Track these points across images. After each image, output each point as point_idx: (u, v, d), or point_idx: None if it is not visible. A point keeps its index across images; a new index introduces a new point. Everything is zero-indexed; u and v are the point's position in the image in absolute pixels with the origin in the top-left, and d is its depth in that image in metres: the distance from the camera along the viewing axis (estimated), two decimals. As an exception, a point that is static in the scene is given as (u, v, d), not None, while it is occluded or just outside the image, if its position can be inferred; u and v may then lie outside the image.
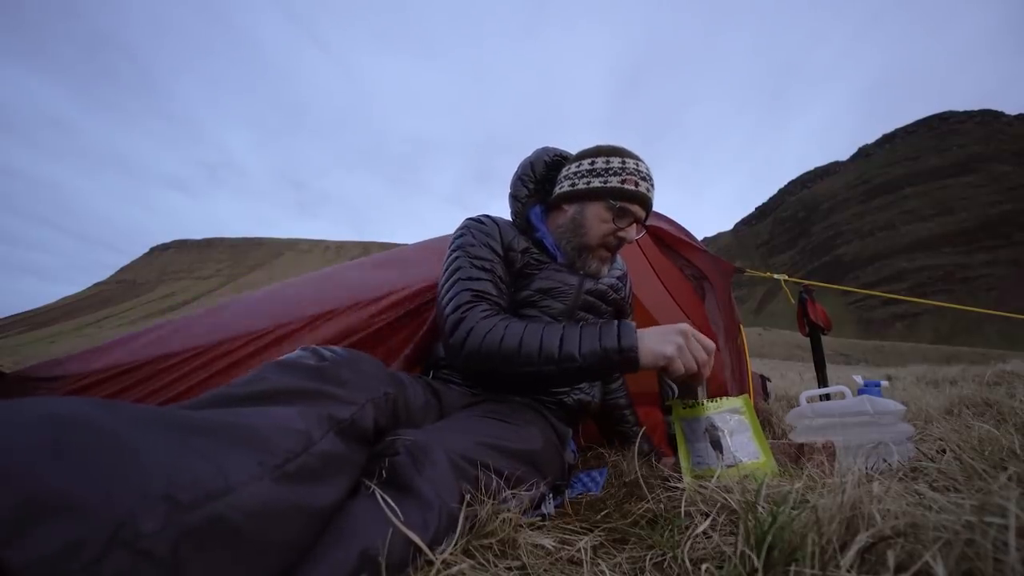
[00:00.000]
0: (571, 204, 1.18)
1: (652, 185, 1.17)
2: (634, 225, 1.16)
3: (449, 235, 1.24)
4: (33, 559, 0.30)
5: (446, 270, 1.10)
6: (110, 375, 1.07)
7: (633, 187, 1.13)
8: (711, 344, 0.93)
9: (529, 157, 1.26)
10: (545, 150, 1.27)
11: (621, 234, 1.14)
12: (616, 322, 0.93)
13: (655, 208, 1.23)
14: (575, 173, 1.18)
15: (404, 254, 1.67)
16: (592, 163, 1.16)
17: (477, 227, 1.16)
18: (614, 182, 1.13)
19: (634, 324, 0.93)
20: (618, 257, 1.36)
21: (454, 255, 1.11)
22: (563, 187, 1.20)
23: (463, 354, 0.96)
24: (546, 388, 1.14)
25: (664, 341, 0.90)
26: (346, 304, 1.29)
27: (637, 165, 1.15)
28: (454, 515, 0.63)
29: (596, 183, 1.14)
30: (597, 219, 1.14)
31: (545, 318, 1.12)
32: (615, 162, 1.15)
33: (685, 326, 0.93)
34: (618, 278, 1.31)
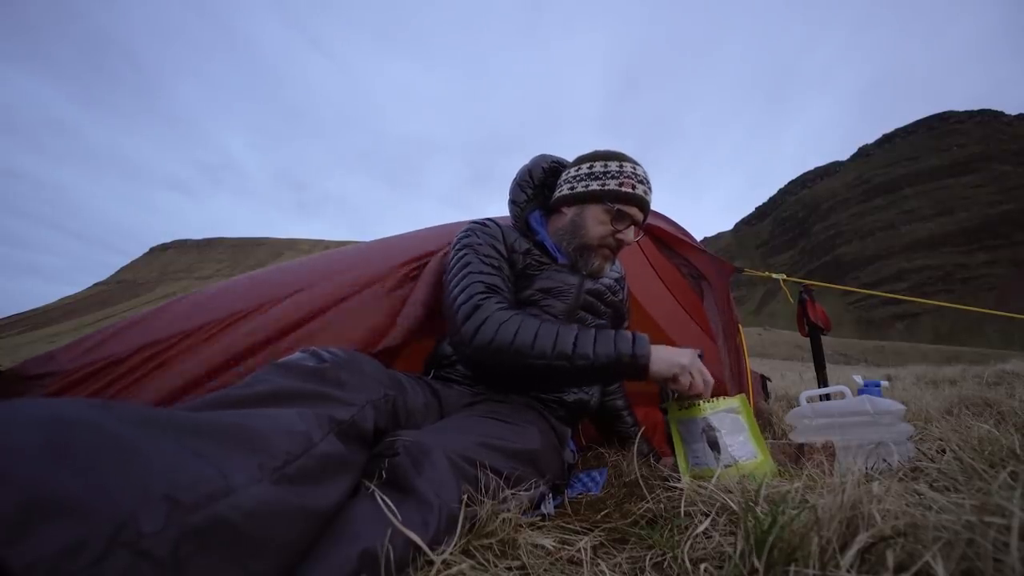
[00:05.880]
0: (570, 207, 1.21)
1: (649, 188, 1.19)
2: (632, 227, 1.17)
3: (435, 226, 1.24)
4: (34, 559, 0.30)
5: (454, 266, 1.10)
6: (100, 367, 1.05)
7: (630, 190, 1.15)
8: (711, 379, 0.99)
9: (527, 164, 1.29)
10: (543, 157, 1.29)
11: (620, 236, 1.16)
12: (632, 332, 0.98)
13: (655, 207, 1.24)
14: (574, 177, 1.20)
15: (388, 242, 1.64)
16: (591, 167, 1.19)
17: (481, 229, 1.17)
18: (612, 185, 1.15)
19: (648, 337, 0.98)
20: (616, 260, 1.37)
21: (461, 252, 1.12)
22: (562, 191, 1.22)
23: (475, 342, 0.96)
24: (552, 385, 1.14)
25: (674, 359, 0.96)
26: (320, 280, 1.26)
27: (634, 169, 1.17)
28: (454, 515, 0.63)
29: (595, 186, 1.16)
30: (595, 221, 1.16)
31: (546, 317, 1.13)
32: (613, 166, 1.17)
33: (693, 351, 0.99)
34: (616, 280, 1.32)
